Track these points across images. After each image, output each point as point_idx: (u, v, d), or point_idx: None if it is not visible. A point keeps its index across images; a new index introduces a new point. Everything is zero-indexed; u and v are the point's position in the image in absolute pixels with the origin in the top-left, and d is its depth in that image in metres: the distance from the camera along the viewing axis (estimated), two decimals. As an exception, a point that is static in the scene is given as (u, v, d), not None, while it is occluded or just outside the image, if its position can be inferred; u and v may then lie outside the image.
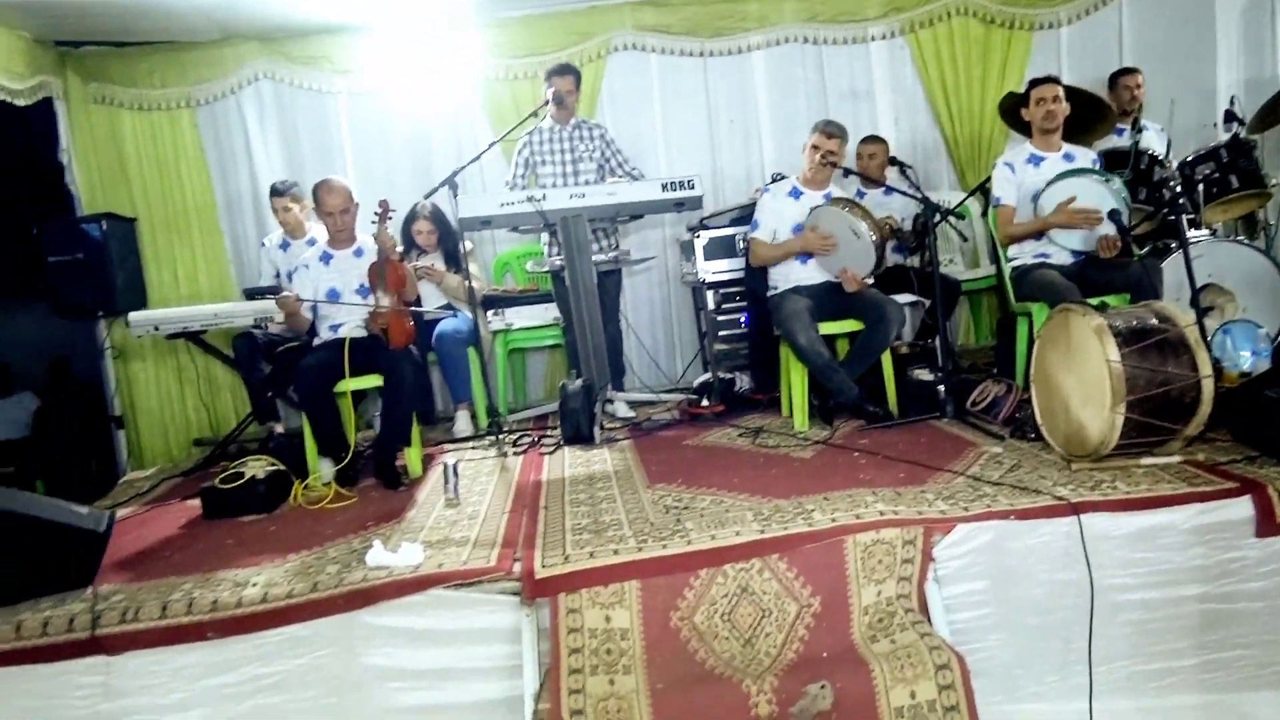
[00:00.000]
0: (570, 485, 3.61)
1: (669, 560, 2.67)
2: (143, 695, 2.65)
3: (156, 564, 3.15)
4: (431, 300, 4.98)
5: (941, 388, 4.12)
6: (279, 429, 4.94)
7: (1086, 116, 4.66)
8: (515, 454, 4.26)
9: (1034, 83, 4.26)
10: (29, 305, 6.37)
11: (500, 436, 4.37)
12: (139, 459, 5.62)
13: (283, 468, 3.88)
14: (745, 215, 4.92)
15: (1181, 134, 5.64)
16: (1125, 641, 2.73)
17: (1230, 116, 4.82)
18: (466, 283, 4.49)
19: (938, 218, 4.25)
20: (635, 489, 3.43)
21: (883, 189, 4.94)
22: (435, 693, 2.67)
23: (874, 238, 4.10)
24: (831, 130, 4.36)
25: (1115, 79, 5.31)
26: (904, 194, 4.55)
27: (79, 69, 5.41)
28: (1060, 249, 4.13)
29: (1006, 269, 4.38)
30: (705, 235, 5.00)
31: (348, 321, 4.16)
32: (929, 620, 2.63)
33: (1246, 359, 3.85)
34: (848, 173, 4.61)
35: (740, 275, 4.93)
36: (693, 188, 4.61)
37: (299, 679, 2.67)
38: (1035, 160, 4.24)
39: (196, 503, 3.82)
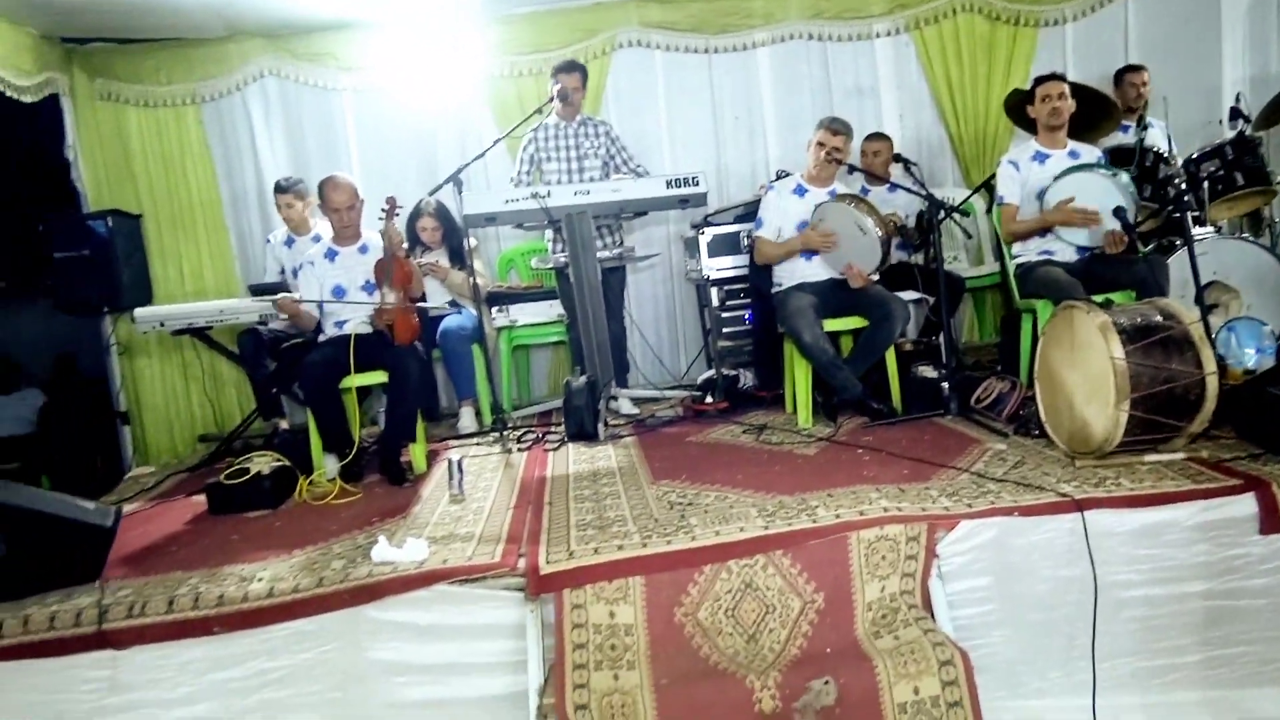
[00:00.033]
0: (574, 481, 3.61)
1: (673, 556, 2.67)
2: (149, 689, 2.66)
3: (162, 559, 3.16)
4: (436, 297, 4.99)
5: (945, 385, 4.12)
6: (284, 425, 4.95)
7: (1092, 114, 4.64)
8: (519, 450, 4.27)
9: (1039, 80, 4.26)
10: (34, 301, 6.40)
11: (504, 433, 4.38)
12: (144, 455, 5.63)
13: (288, 464, 3.89)
14: (750, 212, 4.93)
15: (1186, 131, 5.64)
16: (1129, 638, 2.73)
17: (1236, 113, 4.83)
18: (471, 279, 4.50)
19: (942, 215, 4.25)
20: (639, 485, 3.44)
21: (887, 186, 4.94)
22: (440, 687, 2.68)
23: (880, 233, 4.10)
24: (837, 127, 4.36)
25: (1121, 76, 5.30)
26: (908, 191, 4.55)
27: (85, 65, 5.43)
28: (1065, 245, 4.13)
29: (1011, 266, 4.38)
30: (709, 232, 5.00)
31: (353, 318, 4.17)
32: (932, 616, 2.63)
33: (1251, 356, 3.85)
34: (852, 169, 4.62)
35: (744, 272, 4.93)
36: (697, 184, 4.61)
37: (305, 673, 2.68)
38: (1040, 157, 4.23)
39: (202, 498, 3.83)
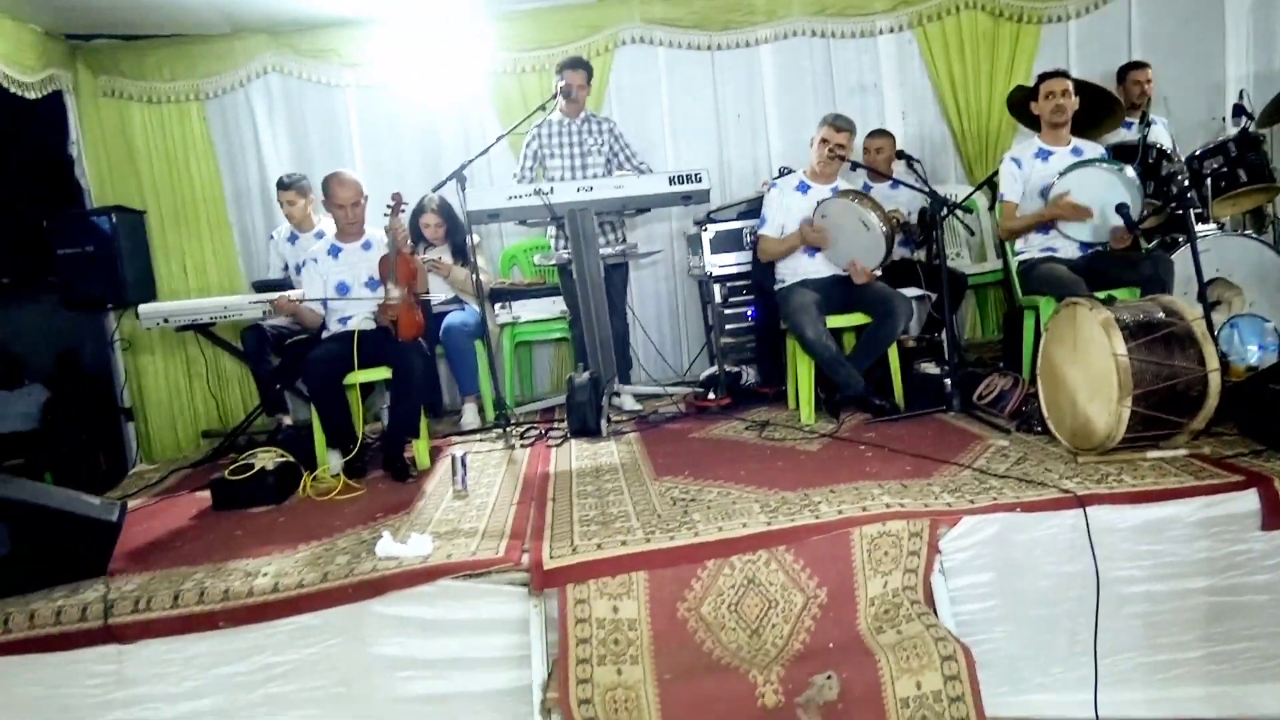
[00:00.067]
0: (577, 477, 3.62)
1: (676, 551, 2.68)
2: (155, 684, 2.67)
3: (167, 554, 3.18)
4: (438, 294, 5.00)
5: (948, 381, 4.13)
6: (287, 421, 4.97)
7: (1095, 111, 4.65)
8: (522, 446, 4.28)
9: (1043, 76, 4.26)
10: (38, 298, 6.39)
11: (507, 429, 4.39)
12: (148, 451, 5.64)
13: (292, 459, 3.90)
14: (752, 209, 4.92)
15: (1189, 128, 5.65)
16: (1131, 634, 2.73)
17: (1239, 110, 4.83)
18: (474, 276, 4.51)
19: (945, 212, 4.25)
20: (642, 481, 3.45)
21: (889, 183, 4.94)
22: (444, 682, 2.68)
23: (884, 229, 4.11)
24: (840, 124, 4.36)
25: (1124, 73, 5.30)
26: (911, 187, 4.55)
27: (89, 62, 5.43)
28: (1068, 242, 4.13)
29: (1013, 263, 4.38)
30: (712, 229, 5.00)
31: (357, 314, 4.18)
32: (935, 612, 2.64)
33: (1253, 353, 3.86)
34: (855, 166, 4.62)
35: (747, 269, 4.94)
36: (700, 181, 4.62)
37: (309, 668, 2.69)
38: (1043, 155, 4.24)
39: (206, 494, 3.84)
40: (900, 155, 4.99)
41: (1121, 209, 3.82)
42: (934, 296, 4.67)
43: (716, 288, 5.06)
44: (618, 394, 4.90)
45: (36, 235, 5.30)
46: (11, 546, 2.82)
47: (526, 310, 5.26)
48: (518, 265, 5.87)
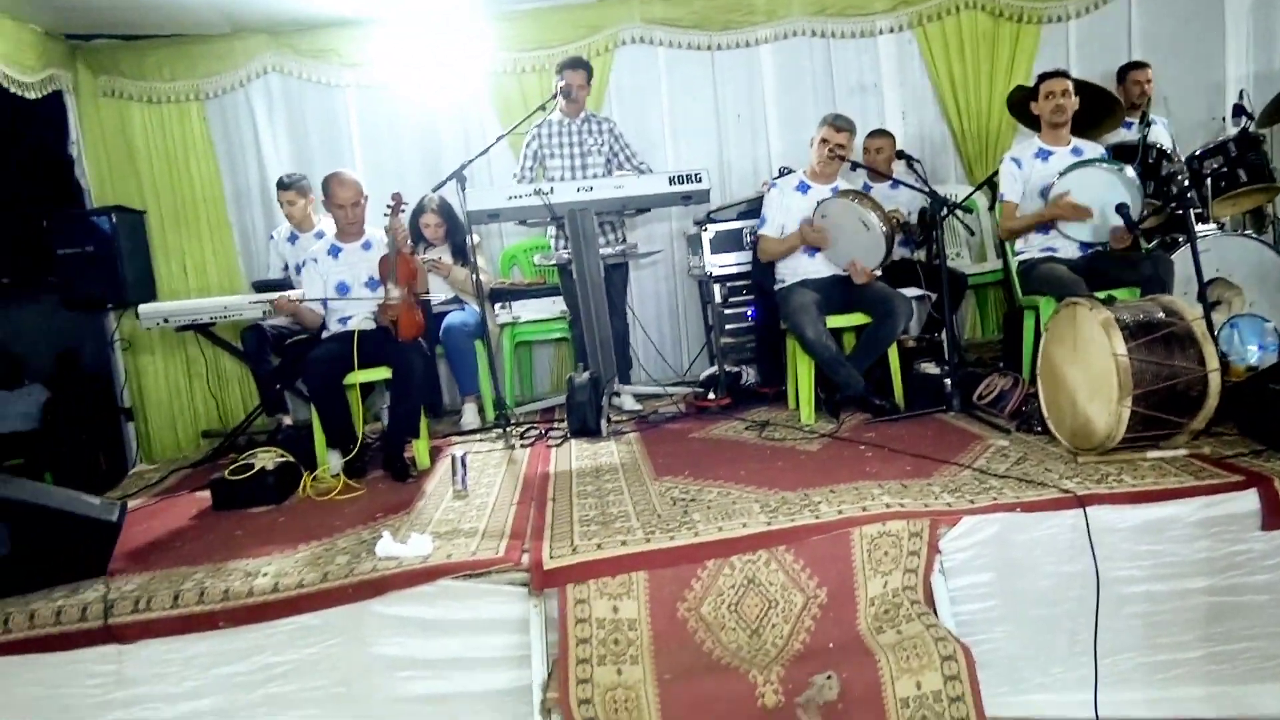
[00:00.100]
0: (577, 477, 3.62)
1: (676, 552, 2.68)
2: (155, 684, 2.67)
3: (167, 554, 3.18)
4: (439, 293, 5.00)
5: (948, 381, 4.13)
6: (287, 421, 4.97)
7: (1095, 111, 4.65)
8: (522, 446, 4.28)
9: (1043, 76, 4.26)
10: (38, 298, 6.39)
11: (507, 429, 4.39)
12: (148, 451, 5.64)
13: (291, 459, 3.90)
14: (752, 209, 4.93)
15: (1189, 128, 5.65)
16: (1131, 633, 2.73)
17: (1239, 110, 4.83)
18: (474, 276, 4.51)
19: (945, 212, 4.25)
20: (642, 481, 3.45)
21: (889, 183, 4.94)
22: (444, 682, 2.68)
23: (884, 229, 4.11)
24: (840, 124, 4.36)
25: (1124, 73, 5.30)
26: (911, 187, 4.55)
27: (89, 62, 5.43)
28: (1068, 242, 4.13)
29: (1013, 263, 4.38)
30: (712, 229, 5.00)
31: (357, 314, 4.18)
32: (935, 612, 2.64)
33: (1253, 353, 3.86)
34: (855, 166, 4.62)
35: (747, 269, 4.94)
36: (700, 181, 4.62)
37: (309, 668, 2.69)
38: (1043, 155, 4.24)
39: (206, 494, 3.84)
40: (900, 155, 4.99)
41: (1121, 209, 3.82)
42: (934, 296, 4.67)
43: (716, 288, 5.06)
44: (618, 394, 4.90)
45: (36, 235, 5.30)
46: (11, 546, 2.82)
47: (526, 310, 5.26)
48: (518, 265, 5.87)
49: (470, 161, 4.48)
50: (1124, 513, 2.71)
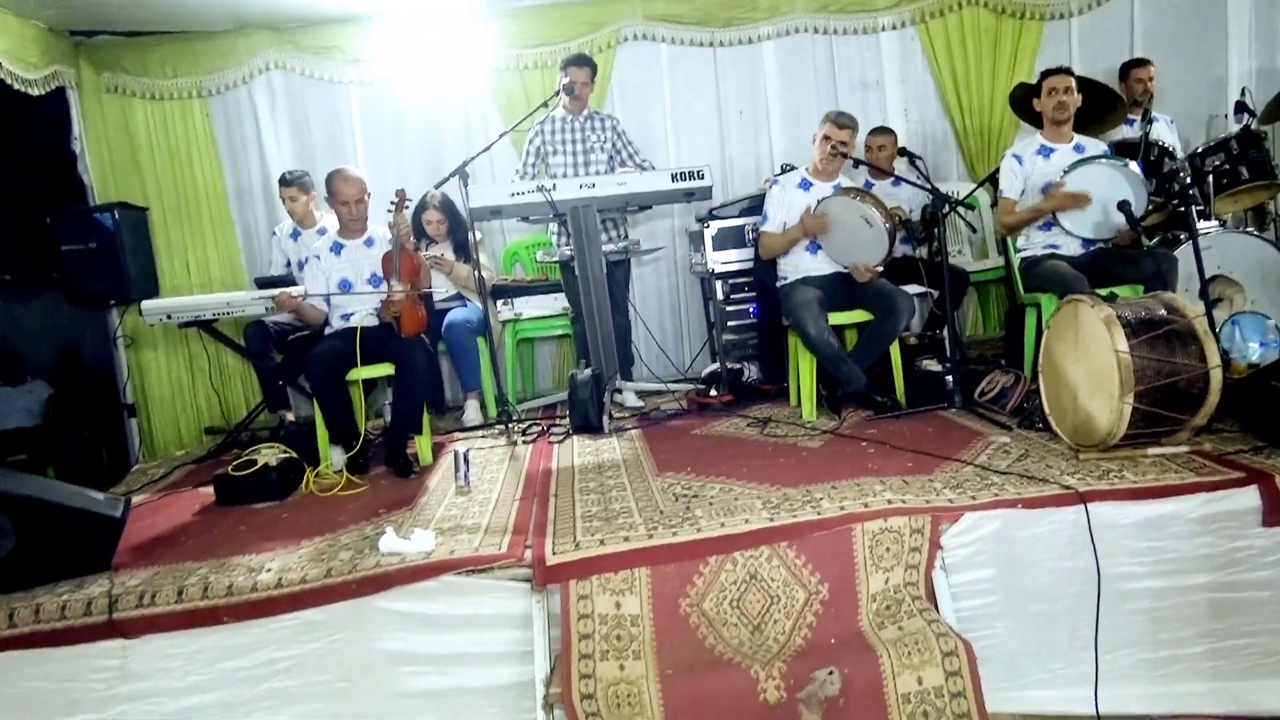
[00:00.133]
0: (580, 474, 3.63)
1: (679, 548, 2.69)
2: (159, 678, 2.69)
3: (172, 549, 3.19)
4: (441, 290, 5.00)
5: (949, 378, 4.14)
6: (290, 417, 4.98)
7: (1097, 108, 4.65)
8: (525, 443, 4.29)
9: (1046, 73, 4.25)
10: (40, 294, 6.40)
11: (509, 426, 4.39)
12: (150, 447, 5.66)
13: (294, 455, 3.91)
14: (754, 206, 4.93)
15: (1192, 125, 5.65)
16: (1132, 630, 2.74)
17: (1241, 107, 4.83)
18: (476, 272, 4.51)
19: (946, 209, 4.26)
20: (644, 477, 3.45)
21: (891, 180, 4.94)
22: (447, 677, 2.70)
23: (886, 226, 4.11)
24: (843, 121, 4.35)
25: (1127, 70, 5.29)
26: (913, 184, 4.55)
27: (92, 58, 5.44)
28: (1070, 239, 4.13)
29: (1015, 260, 4.39)
30: (714, 226, 5.00)
31: (359, 310, 4.19)
32: (936, 608, 2.65)
33: (1255, 350, 3.86)
34: (857, 163, 4.62)
35: (749, 266, 4.94)
36: (702, 178, 4.61)
37: (313, 663, 2.70)
38: (1045, 151, 4.24)
39: (209, 490, 3.86)
40: (902, 152, 4.99)
41: (1123, 206, 3.82)
42: (936, 293, 4.68)
43: (718, 285, 5.07)
44: (619, 391, 4.91)
45: (40, 232, 5.31)
46: (17, 541, 2.83)
47: (529, 307, 5.27)
48: (520, 262, 5.88)
49: (473, 158, 4.49)
50: (1125, 509, 2.72)
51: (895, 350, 4.29)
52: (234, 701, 2.70)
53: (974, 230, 5.57)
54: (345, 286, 4.21)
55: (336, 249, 4.26)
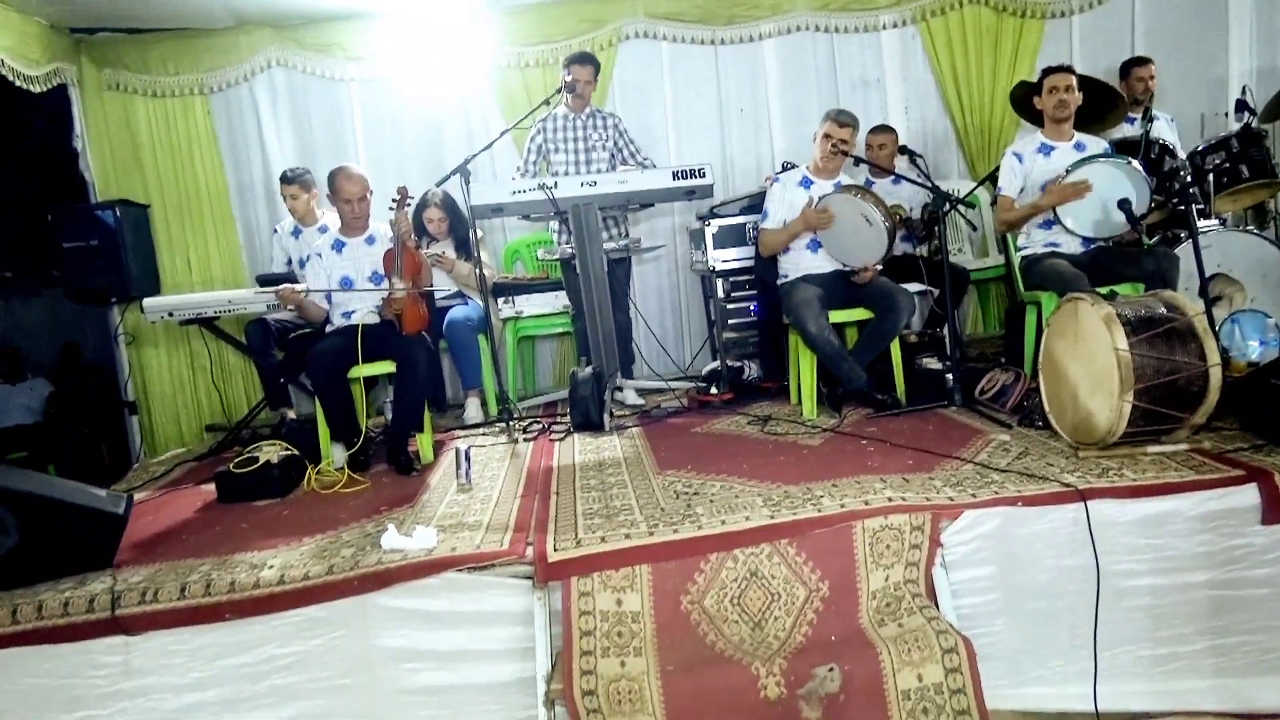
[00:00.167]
0: (581, 471, 3.64)
1: (680, 545, 2.70)
2: (162, 674, 2.69)
3: (174, 546, 3.20)
4: (442, 288, 5.01)
5: (950, 376, 4.14)
6: (291, 415, 4.98)
7: (1098, 106, 4.65)
8: (525, 441, 4.30)
9: (1047, 71, 4.25)
10: (40, 291, 6.42)
11: (510, 423, 4.40)
12: (151, 444, 5.67)
13: (296, 453, 3.91)
14: (755, 204, 4.93)
15: (1192, 124, 5.65)
16: (1131, 627, 2.75)
17: (1241, 106, 4.83)
18: (477, 270, 4.52)
19: (947, 207, 4.26)
20: (645, 475, 3.46)
21: (891, 178, 4.95)
22: (448, 674, 2.70)
23: (886, 224, 4.11)
24: (844, 119, 4.36)
25: (1128, 69, 5.29)
26: (913, 183, 4.56)
27: (93, 55, 5.44)
28: (1071, 237, 4.13)
29: (1016, 258, 4.39)
30: (715, 224, 5.00)
31: (360, 308, 4.19)
32: (936, 605, 2.66)
33: (1254, 348, 3.86)
34: (858, 161, 4.62)
35: (750, 264, 4.94)
36: (704, 176, 4.61)
37: (315, 659, 2.71)
38: (1046, 149, 4.24)
39: (211, 487, 3.87)
40: (903, 151, 4.99)
41: (1123, 204, 3.82)
42: (936, 292, 4.68)
43: (719, 283, 5.07)
44: (620, 389, 4.91)
45: (41, 229, 5.32)
46: (20, 538, 2.84)
47: (529, 305, 5.27)
48: (521, 260, 5.88)
49: (474, 156, 4.50)
50: (1125, 507, 2.73)
51: (895, 348, 4.30)
52: (235, 698, 2.71)
53: (974, 228, 5.57)
54: (346, 284, 4.21)
55: (338, 246, 4.27)
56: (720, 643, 2.60)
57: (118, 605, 2.69)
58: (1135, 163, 3.92)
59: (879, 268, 4.29)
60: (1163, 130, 4.88)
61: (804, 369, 4.25)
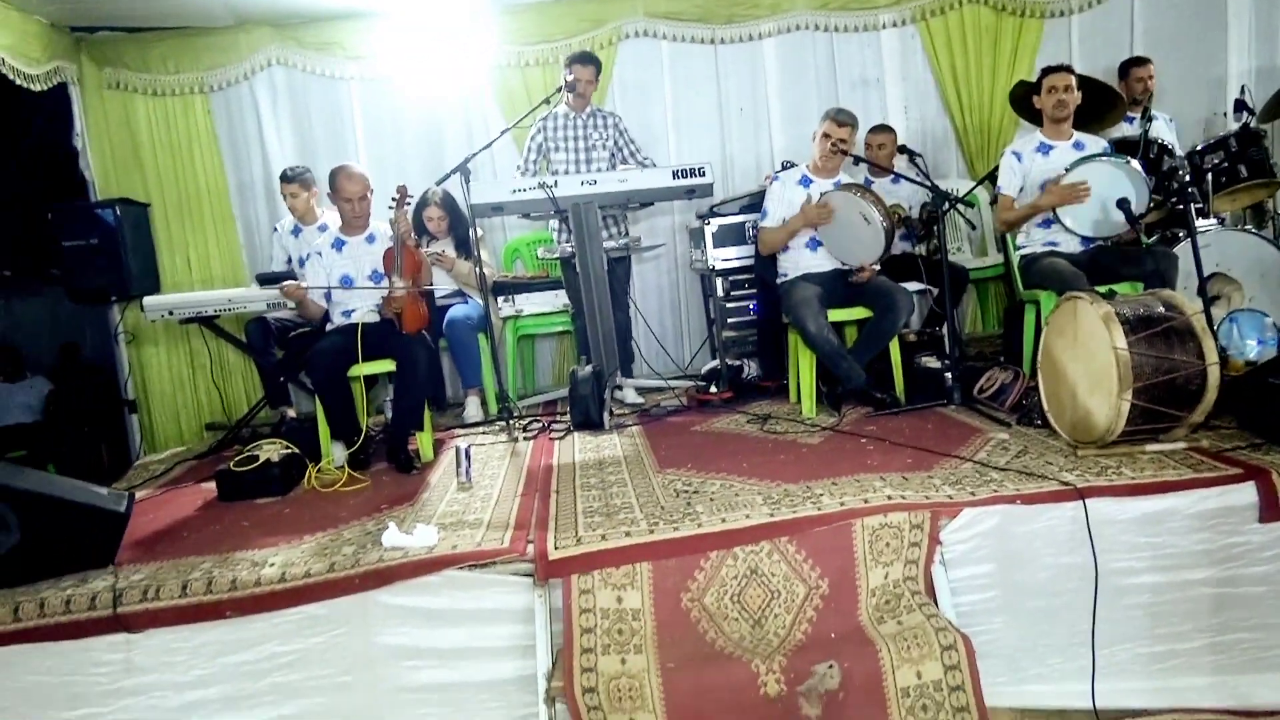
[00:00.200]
0: (581, 470, 3.64)
1: (680, 542, 2.71)
2: (163, 672, 2.70)
3: (175, 544, 3.20)
4: (442, 286, 5.01)
5: (949, 375, 4.15)
6: (291, 413, 4.99)
7: (1097, 106, 4.66)
8: (525, 439, 4.30)
9: (1046, 71, 4.26)
10: (40, 290, 6.42)
11: (510, 422, 4.40)
12: (151, 443, 5.67)
13: (296, 451, 3.92)
14: (755, 203, 4.94)
15: (1191, 124, 5.66)
16: (1129, 624, 2.76)
17: (1240, 106, 4.84)
18: (477, 269, 4.53)
19: (946, 206, 4.27)
20: (645, 473, 3.47)
21: (891, 177, 4.95)
22: (449, 671, 2.71)
23: (884, 223, 4.11)
24: (843, 118, 4.36)
25: (1127, 69, 5.30)
26: (913, 182, 4.57)
27: (94, 54, 5.44)
28: (1070, 236, 4.14)
29: (1015, 257, 4.40)
30: (715, 223, 5.00)
31: (360, 307, 4.20)
32: (935, 602, 2.67)
33: (1252, 347, 3.87)
34: (857, 161, 4.63)
35: (749, 263, 4.95)
36: (704, 175, 4.62)
37: (316, 657, 2.71)
38: (1045, 149, 4.25)
39: (211, 485, 3.87)
40: (902, 150, 5.00)
41: (1122, 204, 3.83)
42: (935, 291, 4.69)
43: (719, 281, 5.07)
44: (620, 387, 4.92)
45: (41, 228, 5.32)
46: (21, 536, 2.84)
47: (529, 303, 5.27)
48: (521, 259, 5.89)
49: (474, 155, 4.50)
50: (1123, 505, 2.74)
51: (895, 347, 4.31)
52: (236, 696, 2.71)
53: (973, 227, 5.58)
54: (346, 283, 4.21)
55: (338, 245, 4.27)
56: (720, 640, 2.61)
57: (119, 603, 2.69)
58: (1134, 162, 3.93)
59: (876, 267, 4.30)
60: (1161, 130, 4.89)
61: (803, 368, 4.26)
